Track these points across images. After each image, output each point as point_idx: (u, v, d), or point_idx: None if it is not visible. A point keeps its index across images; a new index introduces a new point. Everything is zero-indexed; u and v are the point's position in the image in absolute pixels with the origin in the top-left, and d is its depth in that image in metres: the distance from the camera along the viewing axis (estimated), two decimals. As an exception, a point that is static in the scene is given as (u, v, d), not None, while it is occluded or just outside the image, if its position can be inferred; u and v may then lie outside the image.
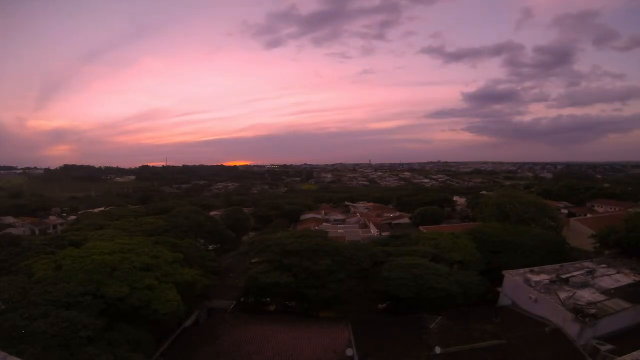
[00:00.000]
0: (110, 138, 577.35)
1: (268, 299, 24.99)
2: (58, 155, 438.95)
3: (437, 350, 17.69)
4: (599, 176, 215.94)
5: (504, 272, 25.13)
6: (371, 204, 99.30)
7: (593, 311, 18.67)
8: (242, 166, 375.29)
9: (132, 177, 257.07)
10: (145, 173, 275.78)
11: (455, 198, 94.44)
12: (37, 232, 65.61)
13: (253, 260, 26.23)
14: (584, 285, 22.27)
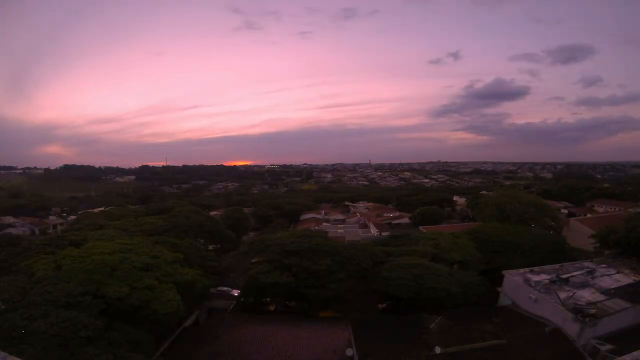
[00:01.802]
0: (107, 135, 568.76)
1: (268, 299, 24.98)
2: (54, 153, 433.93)
3: (437, 350, 17.68)
4: (599, 176, 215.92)
5: (504, 272, 25.13)
6: (371, 204, 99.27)
7: (593, 311, 18.66)
8: (242, 166, 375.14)
9: (132, 177, 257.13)
10: (145, 173, 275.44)
11: (455, 198, 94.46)
12: (37, 232, 65.64)
13: (253, 260, 26.23)
14: (584, 285, 22.27)
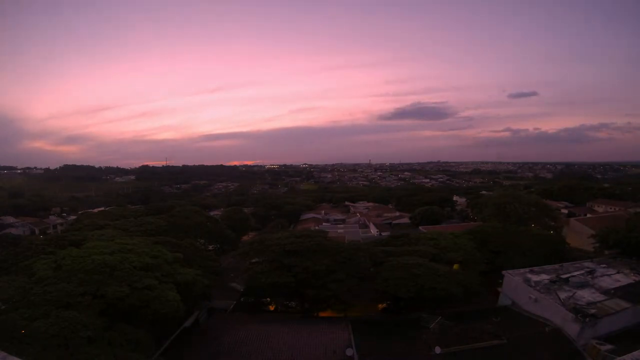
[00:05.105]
0: (106, 131, 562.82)
1: (268, 299, 24.99)
2: (50, 151, 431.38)
3: (437, 350, 17.68)
4: (599, 176, 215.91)
5: (504, 272, 25.13)
6: (371, 204, 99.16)
7: (593, 311, 18.67)
8: (242, 166, 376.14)
9: (132, 177, 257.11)
10: (145, 173, 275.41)
11: (455, 198, 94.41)
12: (37, 232, 65.65)
13: (253, 260, 26.25)
14: (584, 285, 22.27)
